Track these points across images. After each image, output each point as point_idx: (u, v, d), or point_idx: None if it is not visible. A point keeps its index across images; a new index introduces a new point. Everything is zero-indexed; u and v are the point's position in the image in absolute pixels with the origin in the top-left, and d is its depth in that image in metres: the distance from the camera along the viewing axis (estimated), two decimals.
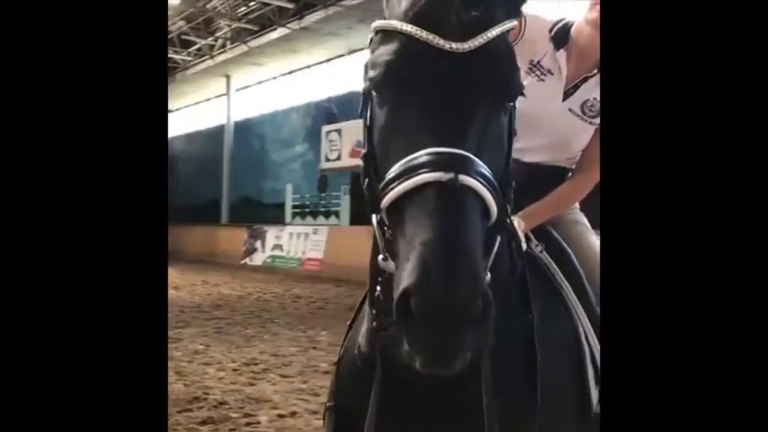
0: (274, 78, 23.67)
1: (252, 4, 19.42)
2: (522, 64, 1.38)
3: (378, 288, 1.21)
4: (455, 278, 0.99)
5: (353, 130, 16.93)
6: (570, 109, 1.95)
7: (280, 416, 4.71)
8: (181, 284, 13.43)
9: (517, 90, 1.23)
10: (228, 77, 23.99)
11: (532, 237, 1.76)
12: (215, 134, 25.85)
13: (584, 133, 1.97)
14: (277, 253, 18.57)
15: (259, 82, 24.59)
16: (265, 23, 19.67)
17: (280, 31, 19.25)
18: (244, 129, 26.04)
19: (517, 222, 1.60)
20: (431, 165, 1.08)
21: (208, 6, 19.88)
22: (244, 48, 20.80)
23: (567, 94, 1.95)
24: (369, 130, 1.24)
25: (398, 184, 1.10)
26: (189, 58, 23.10)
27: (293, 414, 4.75)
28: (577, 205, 2.12)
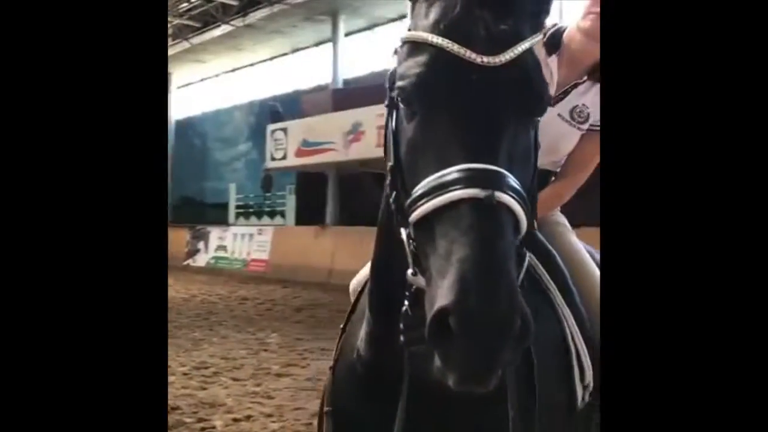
0: (217, 76, 23.36)
1: (194, 0, 19.10)
2: None
3: (406, 303, 1.18)
4: (495, 296, 0.98)
5: (299, 129, 16.84)
6: (559, 115, 1.96)
7: (235, 420, 4.63)
8: None
9: (547, 104, 1.22)
10: (169, 74, 23.55)
11: None
12: None
13: (572, 138, 1.98)
14: (221, 254, 18.32)
15: (202, 80, 24.22)
16: (208, 20, 19.40)
17: (223, 29, 19.02)
18: (186, 127, 25.61)
19: None
20: (465, 181, 1.05)
21: None
22: (186, 45, 20.45)
23: (557, 100, 1.96)
24: (395, 142, 1.21)
25: (429, 199, 1.07)
26: None
27: (248, 417, 4.68)
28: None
